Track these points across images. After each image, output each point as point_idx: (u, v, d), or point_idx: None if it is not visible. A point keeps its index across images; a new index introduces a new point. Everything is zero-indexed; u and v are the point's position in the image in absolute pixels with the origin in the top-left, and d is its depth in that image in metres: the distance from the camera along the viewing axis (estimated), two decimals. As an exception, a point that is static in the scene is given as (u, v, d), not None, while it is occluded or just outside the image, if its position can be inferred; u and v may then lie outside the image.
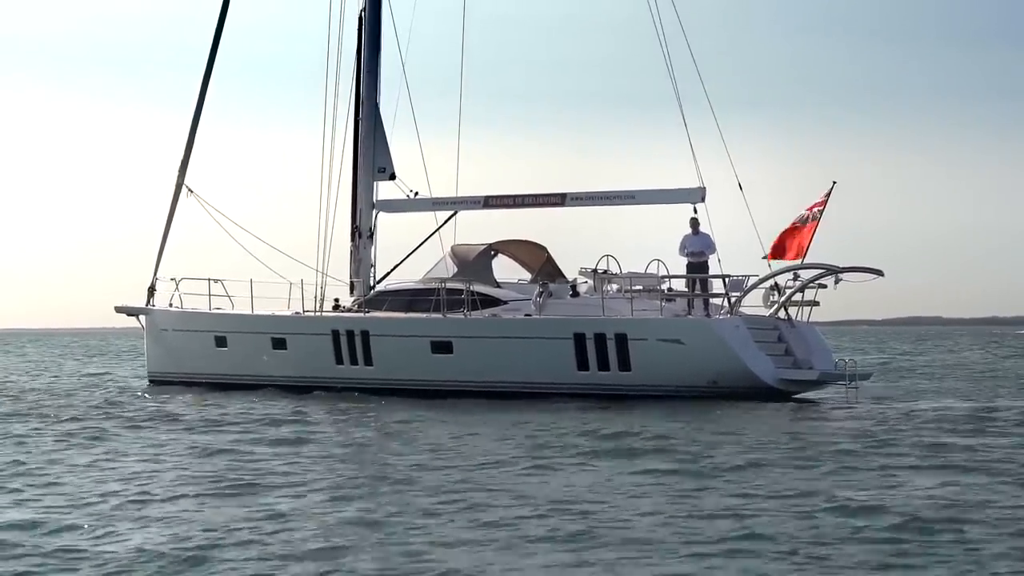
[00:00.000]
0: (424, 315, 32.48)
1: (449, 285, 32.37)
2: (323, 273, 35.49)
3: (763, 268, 30.93)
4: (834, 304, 30.90)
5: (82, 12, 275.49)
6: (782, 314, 30.62)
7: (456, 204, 35.53)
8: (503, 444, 20.38)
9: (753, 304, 30.96)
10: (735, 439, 20.87)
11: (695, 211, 31.80)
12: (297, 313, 34.94)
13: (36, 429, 23.84)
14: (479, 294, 32.24)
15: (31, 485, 15.91)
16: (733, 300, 30.58)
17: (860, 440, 20.45)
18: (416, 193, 35.76)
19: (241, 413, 26.94)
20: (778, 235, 31.12)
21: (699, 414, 25.65)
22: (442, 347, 32.05)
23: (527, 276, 34.02)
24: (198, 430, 23.25)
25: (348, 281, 35.80)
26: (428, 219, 35.79)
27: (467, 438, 21.51)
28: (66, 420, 25.62)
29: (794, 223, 30.97)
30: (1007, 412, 26.18)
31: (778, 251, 31.02)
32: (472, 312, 31.98)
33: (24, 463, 18.00)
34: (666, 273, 31.67)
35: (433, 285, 32.78)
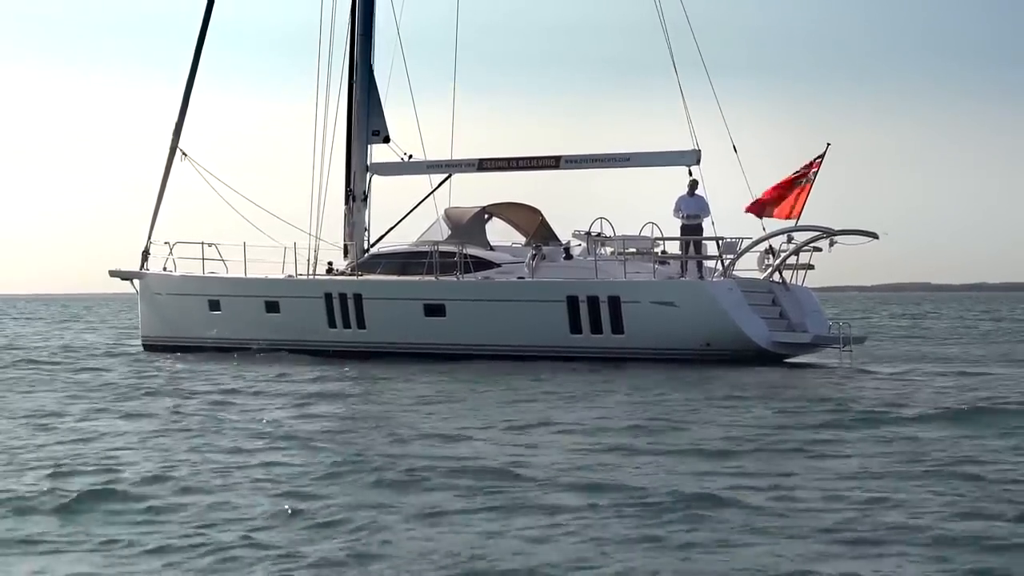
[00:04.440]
0: (417, 278, 32.47)
1: (442, 248, 32.35)
2: (316, 236, 35.51)
3: (757, 231, 30.96)
4: (822, 270, 30.92)
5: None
6: (776, 277, 30.67)
7: (450, 167, 35.48)
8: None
9: (747, 267, 31.00)
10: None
11: (690, 173, 31.82)
12: (290, 276, 34.93)
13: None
14: (472, 257, 32.23)
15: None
16: (727, 263, 30.59)
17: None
18: (410, 156, 35.70)
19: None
20: (766, 191, 31.06)
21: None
22: (435, 310, 32.04)
23: (521, 239, 34.03)
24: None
25: (342, 244, 35.81)
26: (422, 182, 35.80)
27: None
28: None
29: (783, 182, 30.90)
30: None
31: (758, 208, 30.93)
32: (465, 275, 31.97)
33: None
34: (660, 236, 31.71)
35: (426, 248, 32.75)
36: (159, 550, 10.15)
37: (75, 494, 12.19)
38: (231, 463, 14.30)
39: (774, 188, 30.91)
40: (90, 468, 13.92)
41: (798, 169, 30.84)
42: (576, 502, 11.74)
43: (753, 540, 10.25)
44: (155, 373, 28.66)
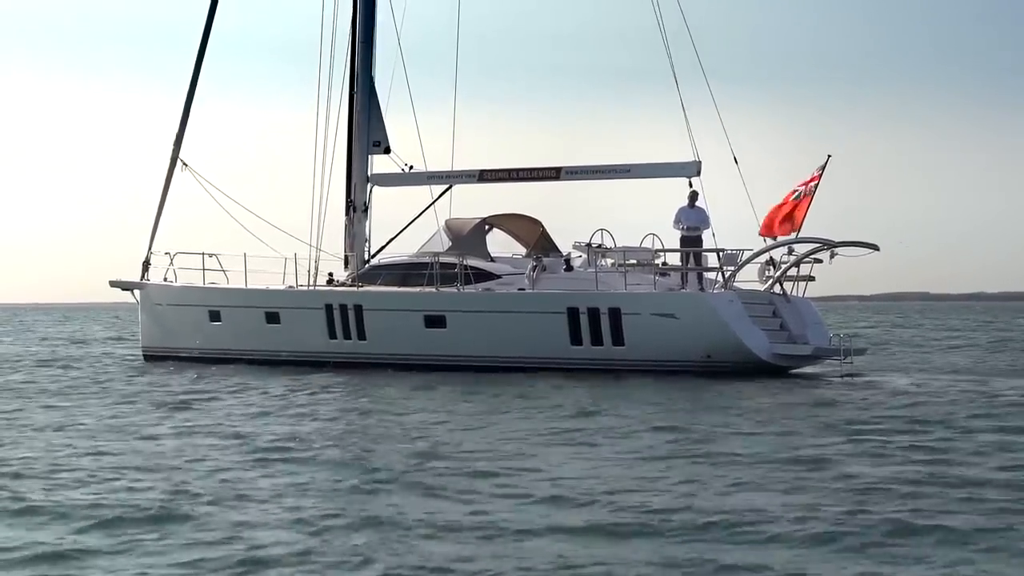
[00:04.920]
0: (418, 289, 32.47)
1: (443, 259, 32.36)
2: (317, 247, 35.51)
3: (758, 242, 30.95)
4: (821, 280, 30.95)
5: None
6: (777, 289, 30.66)
7: (451, 178, 35.49)
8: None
9: (748, 279, 31.00)
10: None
11: (691, 184, 31.81)
12: (291, 287, 34.93)
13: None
14: (473, 268, 32.23)
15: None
16: (727, 274, 30.58)
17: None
18: (411, 167, 35.72)
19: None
20: (771, 210, 31.12)
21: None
22: (435, 321, 32.04)
23: (521, 250, 34.04)
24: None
25: (342, 255, 35.80)
26: (423, 193, 35.81)
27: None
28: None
29: (787, 198, 30.97)
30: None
31: (769, 228, 30.98)
32: (466, 286, 31.97)
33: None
34: (660, 247, 31.69)
35: (427, 259, 32.76)
36: (192, 563, 10.24)
37: (105, 509, 12.25)
38: (261, 477, 14.27)
39: (780, 207, 30.91)
40: (115, 484, 13.90)
41: (799, 186, 30.84)
42: (620, 519, 11.76)
43: (821, 556, 10.34)
44: (160, 385, 28.53)
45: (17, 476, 14.39)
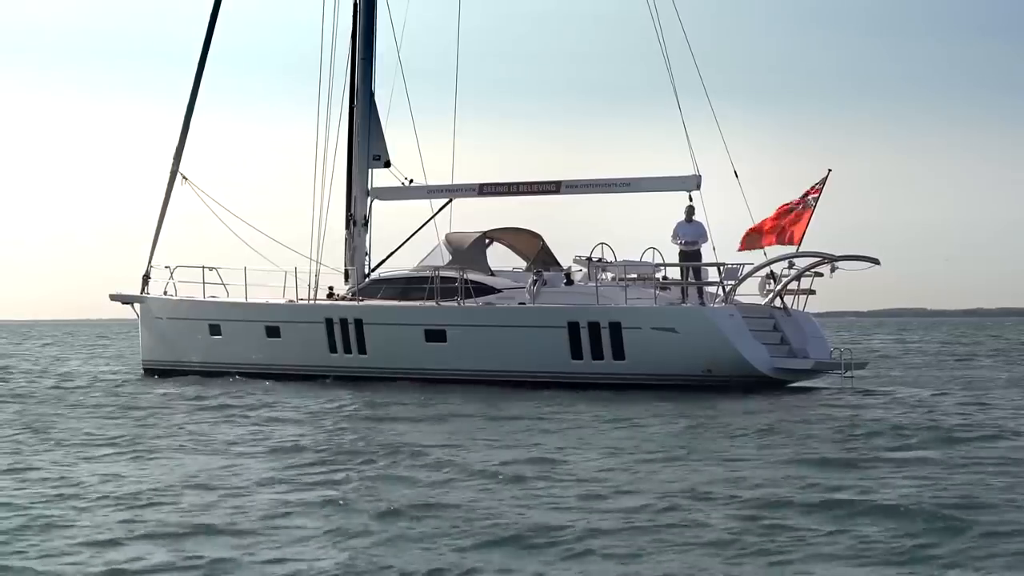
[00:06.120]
0: (418, 303, 32.47)
1: (443, 273, 32.37)
2: (317, 261, 35.54)
3: (758, 256, 30.97)
4: (818, 296, 30.93)
5: (73, 1, 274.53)
6: (778, 302, 30.65)
7: (451, 192, 35.52)
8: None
9: (749, 293, 30.99)
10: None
11: (690, 199, 31.82)
12: (291, 301, 34.92)
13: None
14: (473, 282, 32.23)
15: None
16: (728, 288, 30.58)
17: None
18: (411, 181, 35.75)
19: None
20: (756, 224, 31.15)
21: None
22: (436, 335, 32.03)
23: (522, 264, 34.06)
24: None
25: (343, 269, 35.82)
26: (423, 207, 35.86)
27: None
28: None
29: (779, 211, 30.97)
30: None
31: (752, 241, 31.00)
32: (466, 300, 31.96)
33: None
34: (661, 262, 31.68)
35: (427, 273, 32.77)
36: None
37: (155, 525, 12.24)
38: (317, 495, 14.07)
39: (769, 219, 30.97)
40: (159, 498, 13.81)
41: (796, 199, 30.86)
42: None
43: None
44: (170, 400, 28.25)
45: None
